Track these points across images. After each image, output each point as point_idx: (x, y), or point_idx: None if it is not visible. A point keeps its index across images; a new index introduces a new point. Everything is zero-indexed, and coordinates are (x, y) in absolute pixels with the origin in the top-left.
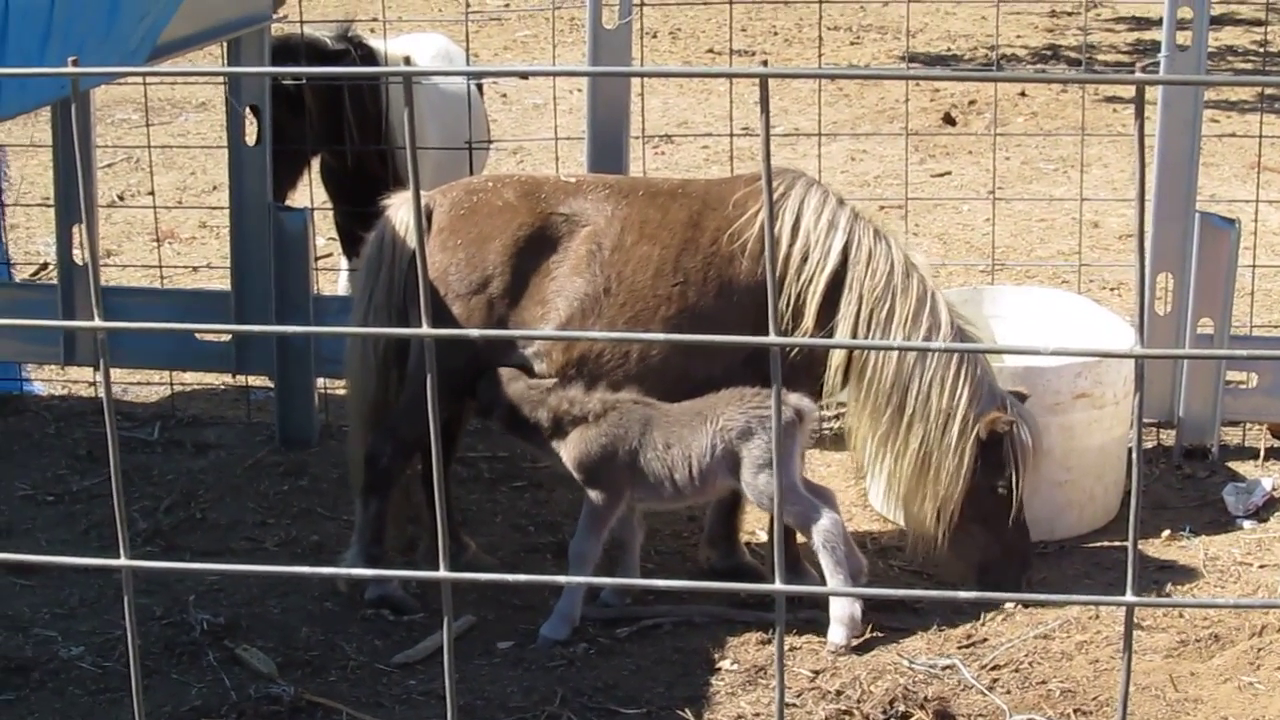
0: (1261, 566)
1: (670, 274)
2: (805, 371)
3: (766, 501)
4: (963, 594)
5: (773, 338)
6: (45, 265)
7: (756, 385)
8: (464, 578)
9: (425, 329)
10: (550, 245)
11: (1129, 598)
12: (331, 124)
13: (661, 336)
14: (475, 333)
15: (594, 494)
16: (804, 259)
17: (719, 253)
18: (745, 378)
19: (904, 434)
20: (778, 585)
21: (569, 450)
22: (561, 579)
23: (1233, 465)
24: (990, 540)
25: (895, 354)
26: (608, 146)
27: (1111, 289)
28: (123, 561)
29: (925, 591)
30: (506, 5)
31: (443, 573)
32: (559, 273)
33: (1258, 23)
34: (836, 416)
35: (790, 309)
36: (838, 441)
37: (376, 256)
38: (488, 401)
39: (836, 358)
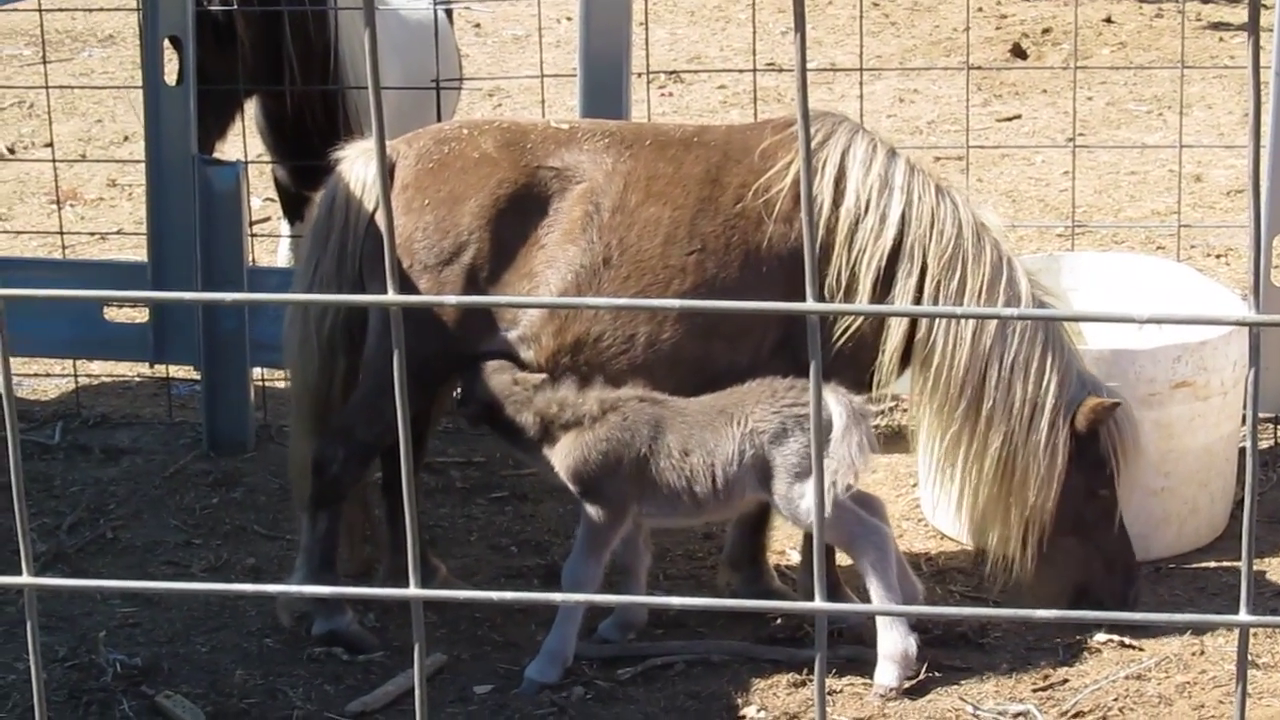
0: None
1: (684, 240)
2: (852, 361)
3: (803, 517)
4: (1039, 613)
5: (811, 304)
6: None
7: (791, 377)
8: (437, 595)
9: (391, 296)
10: (538, 206)
11: (1243, 617)
12: (269, 59)
13: (675, 303)
14: (451, 299)
15: (593, 509)
16: (854, 226)
17: (744, 214)
18: (776, 368)
19: (983, 431)
20: (818, 603)
21: (562, 458)
22: (556, 596)
23: None
24: (1090, 555)
25: (969, 337)
26: (604, 86)
27: (1218, 256)
28: (25, 579)
29: (994, 610)
30: None
31: (412, 590)
32: (549, 240)
33: None
34: (883, 413)
35: (839, 286)
36: (885, 443)
37: (326, 221)
38: (466, 395)
39: (891, 343)
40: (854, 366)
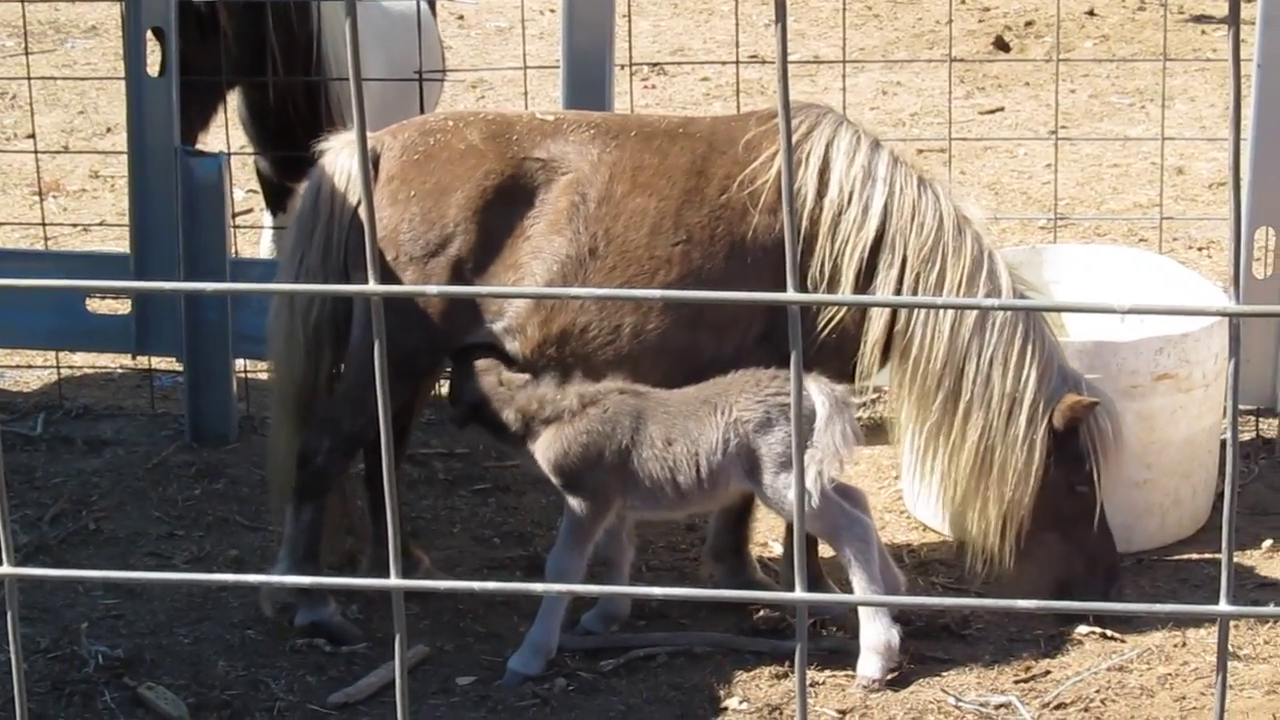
0: None
1: (670, 231)
2: (835, 352)
3: (789, 508)
4: (1021, 603)
5: (791, 294)
6: None
7: (775, 366)
8: (418, 586)
9: (372, 286)
10: (524, 197)
11: (1223, 607)
12: (251, 50)
13: (657, 294)
14: (432, 289)
15: (575, 502)
16: (837, 217)
17: (729, 205)
18: (761, 359)
19: (960, 424)
20: (798, 594)
21: (543, 452)
22: (538, 587)
23: None
24: (1069, 550)
25: (946, 329)
26: (587, 78)
27: (1200, 249)
28: (6, 569)
29: (976, 600)
30: None
31: (394, 580)
32: (534, 231)
33: None
34: (866, 404)
35: (823, 277)
36: (868, 435)
37: (311, 212)
38: (454, 398)
39: (872, 334)
40: (837, 357)
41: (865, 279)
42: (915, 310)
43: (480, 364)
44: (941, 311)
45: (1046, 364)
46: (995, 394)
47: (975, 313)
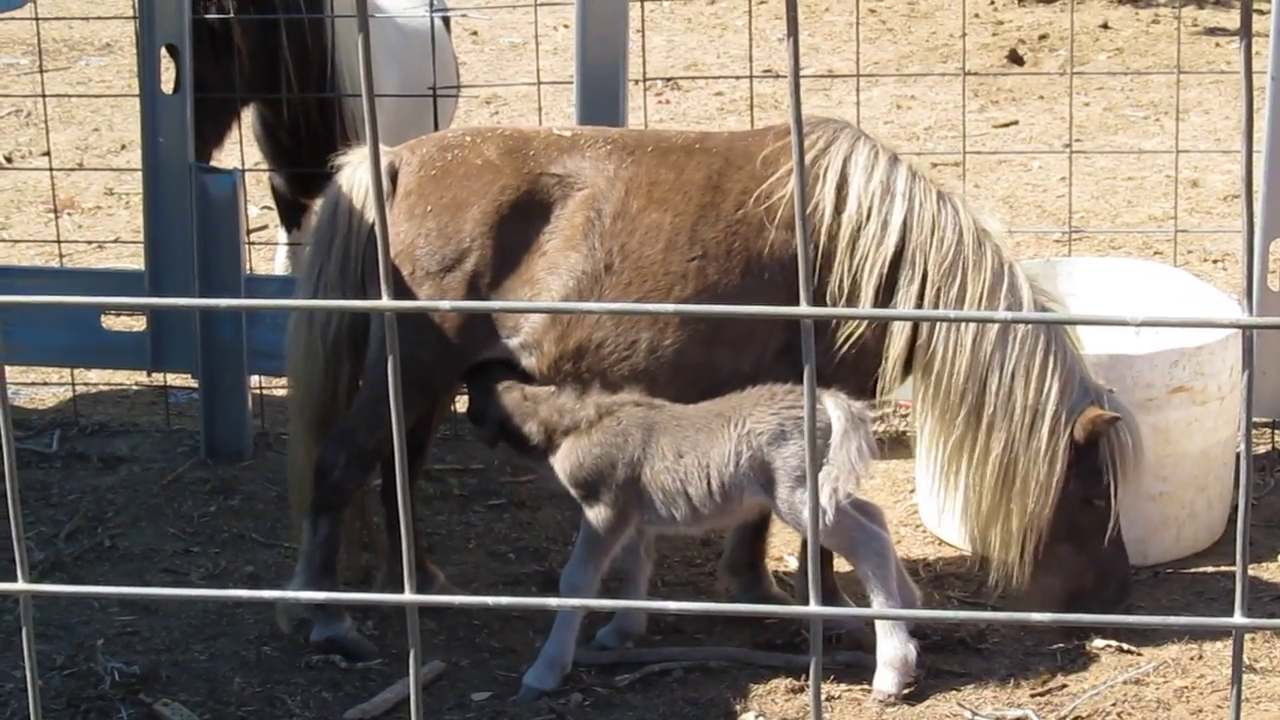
0: None
1: (685, 246)
2: (854, 368)
3: (805, 523)
4: (1036, 616)
5: (805, 309)
6: None
7: (794, 381)
8: (433, 601)
9: (385, 302)
10: (540, 213)
11: (1238, 619)
12: (266, 67)
13: (670, 308)
14: (445, 305)
15: (593, 514)
16: (855, 233)
17: (745, 221)
18: (780, 374)
19: (984, 438)
20: (812, 608)
21: (560, 464)
22: (552, 602)
23: None
24: (1084, 563)
25: (969, 344)
26: (601, 93)
27: (1215, 261)
28: (21, 586)
29: (992, 614)
30: None
31: (408, 596)
32: (550, 246)
33: None
34: (881, 418)
35: (841, 293)
36: (883, 449)
37: (329, 226)
38: (478, 412)
39: (894, 349)
40: (856, 373)
41: (885, 294)
42: (938, 324)
43: (503, 384)
44: (964, 325)
45: (1068, 376)
46: (1018, 406)
47: (997, 325)
